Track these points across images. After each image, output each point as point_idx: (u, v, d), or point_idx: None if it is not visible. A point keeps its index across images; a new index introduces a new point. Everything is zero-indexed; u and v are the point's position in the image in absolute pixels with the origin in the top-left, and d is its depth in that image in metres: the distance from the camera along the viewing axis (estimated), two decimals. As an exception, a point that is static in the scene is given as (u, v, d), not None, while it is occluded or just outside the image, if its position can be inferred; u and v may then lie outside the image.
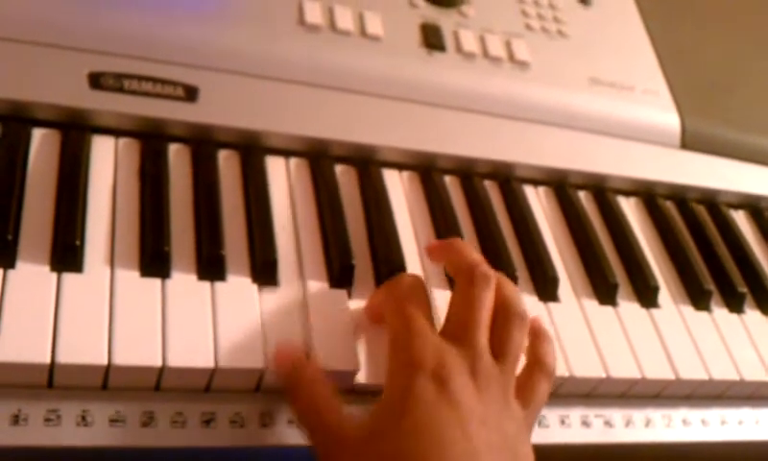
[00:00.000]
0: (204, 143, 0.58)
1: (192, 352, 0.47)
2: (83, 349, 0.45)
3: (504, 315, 0.50)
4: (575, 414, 0.57)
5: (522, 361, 0.51)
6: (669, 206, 0.72)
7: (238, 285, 0.52)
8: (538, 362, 0.52)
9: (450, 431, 0.44)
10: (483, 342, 0.48)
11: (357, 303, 0.54)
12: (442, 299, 0.55)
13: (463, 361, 0.47)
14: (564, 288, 0.61)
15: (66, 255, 0.49)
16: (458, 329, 0.49)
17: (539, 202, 0.67)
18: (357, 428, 0.45)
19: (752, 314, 0.66)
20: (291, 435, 0.49)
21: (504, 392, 0.48)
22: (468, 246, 0.54)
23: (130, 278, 0.49)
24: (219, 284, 0.51)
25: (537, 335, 0.53)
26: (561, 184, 0.69)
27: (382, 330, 0.51)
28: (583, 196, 0.70)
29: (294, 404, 0.48)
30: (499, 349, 0.49)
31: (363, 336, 0.52)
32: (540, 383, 0.51)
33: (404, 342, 0.48)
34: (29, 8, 0.57)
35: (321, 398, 0.47)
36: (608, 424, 0.57)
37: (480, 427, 0.45)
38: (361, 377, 0.51)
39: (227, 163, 0.59)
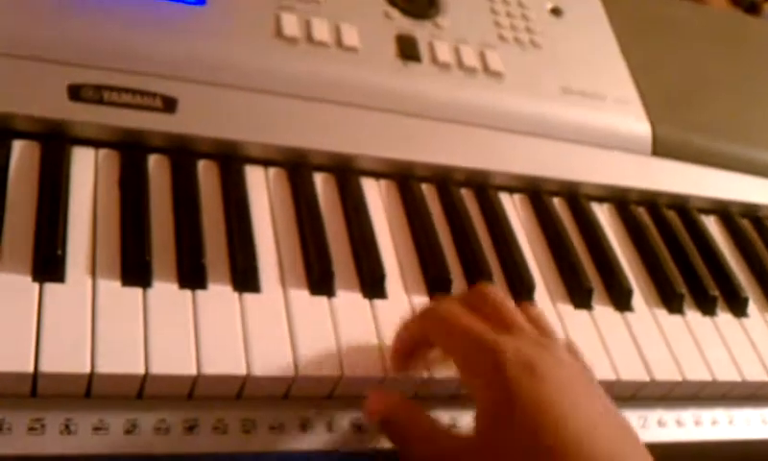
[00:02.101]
0: (183, 154, 0.59)
1: (174, 360, 0.48)
2: (65, 357, 0.45)
3: (494, 304, 0.51)
4: (552, 416, 0.57)
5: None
6: (641, 211, 0.74)
7: (219, 293, 0.52)
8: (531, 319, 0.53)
9: (558, 407, 0.45)
10: (523, 318, 0.51)
11: (337, 310, 0.54)
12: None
13: (528, 342, 0.48)
14: (540, 293, 0.62)
15: (48, 265, 0.49)
16: (501, 324, 0.50)
17: (514, 209, 0.69)
18: (468, 439, 0.47)
19: (723, 316, 0.68)
20: (273, 441, 0.50)
21: (556, 345, 0.50)
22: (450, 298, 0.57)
23: (111, 287, 0.50)
24: (200, 292, 0.51)
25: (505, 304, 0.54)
26: (536, 191, 0.70)
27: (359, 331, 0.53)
28: (557, 203, 0.71)
29: (403, 442, 0.49)
30: (536, 324, 0.52)
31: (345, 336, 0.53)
32: (541, 317, 0.54)
33: (475, 351, 0.48)
34: (8, 20, 0.57)
35: (425, 424, 0.49)
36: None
37: (580, 395, 0.47)
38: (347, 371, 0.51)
39: (206, 173, 0.59)
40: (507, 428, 0.45)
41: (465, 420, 0.54)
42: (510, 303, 0.52)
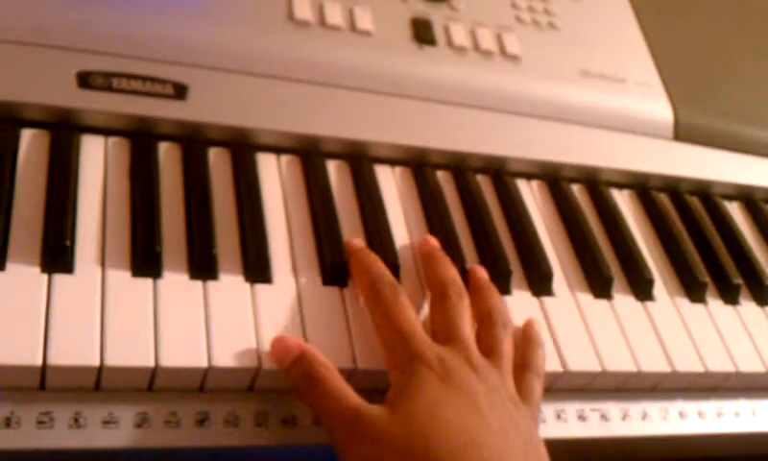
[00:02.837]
0: (194, 141, 0.58)
1: (185, 352, 0.47)
2: (74, 350, 0.45)
3: (488, 323, 0.52)
4: (571, 408, 0.56)
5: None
6: (663, 198, 0.72)
7: (231, 284, 0.51)
8: (527, 365, 0.53)
9: (463, 411, 0.45)
10: (471, 337, 0.50)
11: (351, 300, 0.53)
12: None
13: (459, 356, 0.48)
14: (559, 282, 0.61)
15: (57, 257, 0.48)
16: (444, 333, 0.50)
17: (532, 196, 0.67)
18: (376, 410, 0.46)
19: (747, 306, 0.66)
20: (285, 434, 0.49)
21: (504, 384, 0.49)
22: (444, 260, 0.55)
23: (121, 278, 0.49)
24: (211, 283, 0.51)
25: (526, 341, 0.54)
26: (554, 178, 0.69)
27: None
28: (576, 189, 0.69)
29: (308, 394, 0.47)
30: (490, 351, 0.51)
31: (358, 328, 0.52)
32: (533, 383, 0.52)
33: (401, 339, 0.49)
34: (16, 8, 0.56)
35: (336, 382, 0.47)
36: (604, 417, 0.57)
37: (490, 409, 0.46)
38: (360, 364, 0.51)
39: (217, 161, 0.58)
40: (408, 414, 0.45)
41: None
42: (466, 320, 0.51)
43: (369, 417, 0.45)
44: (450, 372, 0.47)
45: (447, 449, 0.43)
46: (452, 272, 0.55)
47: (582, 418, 0.57)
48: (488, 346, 0.51)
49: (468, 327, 0.51)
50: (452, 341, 0.50)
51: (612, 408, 0.57)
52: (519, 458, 0.45)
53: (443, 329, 0.51)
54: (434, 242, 0.58)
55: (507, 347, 0.52)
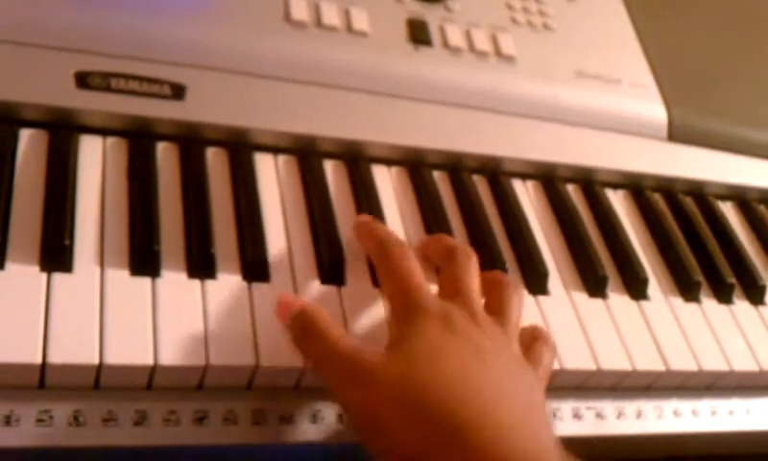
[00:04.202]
0: (192, 141, 0.58)
1: (183, 350, 0.47)
2: (74, 349, 0.45)
3: (497, 284, 0.52)
4: (567, 407, 0.57)
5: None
6: (657, 198, 0.73)
7: (228, 283, 0.51)
8: (537, 334, 0.52)
9: (465, 360, 0.45)
10: (477, 294, 0.49)
11: (348, 299, 0.54)
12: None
13: (464, 310, 0.48)
14: (554, 282, 0.61)
15: (56, 256, 0.48)
16: (450, 289, 0.50)
17: (527, 195, 0.68)
18: (375, 353, 0.45)
19: (740, 304, 0.67)
20: (283, 432, 0.49)
21: (510, 344, 0.49)
22: (441, 235, 0.56)
23: (120, 277, 0.49)
24: (209, 282, 0.51)
25: (534, 328, 0.54)
26: (549, 178, 0.69)
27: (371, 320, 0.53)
28: (571, 189, 0.70)
29: (307, 346, 0.47)
30: (497, 311, 0.50)
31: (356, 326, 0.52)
32: (542, 350, 0.51)
33: (406, 290, 0.48)
34: (15, 8, 0.56)
35: (333, 331, 0.47)
36: (599, 416, 0.57)
37: (495, 358, 0.46)
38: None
39: (215, 161, 0.58)
40: (409, 360, 0.44)
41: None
42: (474, 278, 0.51)
43: (366, 361, 0.45)
44: (454, 323, 0.46)
45: (447, 397, 0.43)
46: (453, 240, 0.55)
47: (577, 416, 0.57)
48: (495, 306, 0.50)
49: (475, 283, 0.50)
50: (458, 296, 0.49)
51: (608, 407, 0.58)
52: (520, 414, 0.45)
53: (449, 287, 0.50)
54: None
55: (516, 310, 0.51)
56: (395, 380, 0.44)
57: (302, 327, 0.48)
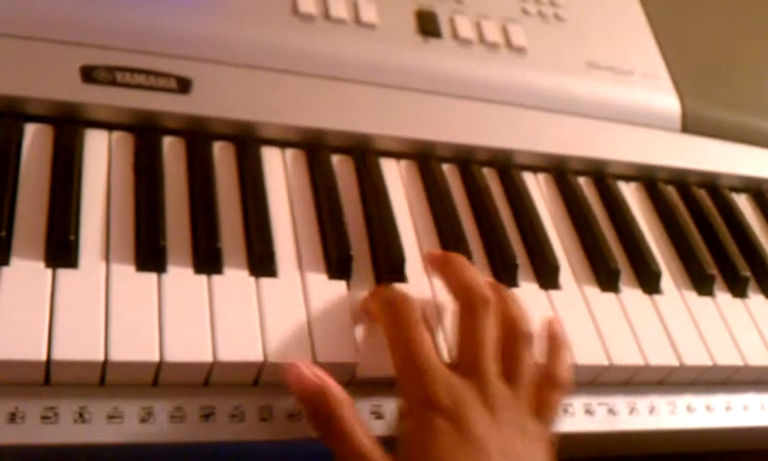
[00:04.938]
0: (198, 135, 0.58)
1: (190, 347, 0.47)
2: (79, 345, 0.45)
3: (511, 337, 0.50)
4: (578, 402, 0.56)
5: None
6: (670, 190, 0.72)
7: (235, 278, 0.51)
8: (550, 378, 0.51)
9: None
10: (492, 369, 0.48)
11: (356, 295, 0.53)
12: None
13: (475, 393, 0.47)
14: (566, 276, 0.61)
15: (61, 251, 0.48)
16: (467, 359, 0.49)
17: (538, 189, 0.67)
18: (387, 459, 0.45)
19: (755, 298, 0.66)
20: (290, 429, 0.49)
21: (519, 415, 0.48)
22: (465, 263, 0.53)
23: (125, 272, 0.49)
24: (216, 277, 0.50)
25: (552, 348, 0.53)
26: (560, 171, 0.68)
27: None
28: (583, 182, 0.69)
29: (320, 428, 0.46)
30: (510, 373, 0.49)
31: (362, 327, 0.52)
32: (553, 399, 0.51)
33: (416, 377, 0.47)
34: (20, 2, 0.56)
35: (350, 421, 0.46)
36: (611, 411, 0.57)
37: (501, 458, 0.45)
38: (361, 371, 0.50)
39: (222, 155, 0.58)
40: None
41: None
42: (490, 343, 0.49)
43: None
44: (464, 418, 0.45)
45: None
46: (473, 274, 0.52)
47: (589, 412, 0.56)
48: (509, 364, 0.49)
49: (490, 352, 0.49)
50: (474, 374, 0.48)
51: (620, 402, 0.57)
52: None
53: (466, 355, 0.49)
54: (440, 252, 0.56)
55: (527, 362, 0.50)
56: None
57: (320, 411, 0.46)
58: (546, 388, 0.51)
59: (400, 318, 0.49)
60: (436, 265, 0.55)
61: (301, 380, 0.47)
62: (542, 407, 0.50)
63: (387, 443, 0.46)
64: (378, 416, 0.51)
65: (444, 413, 0.45)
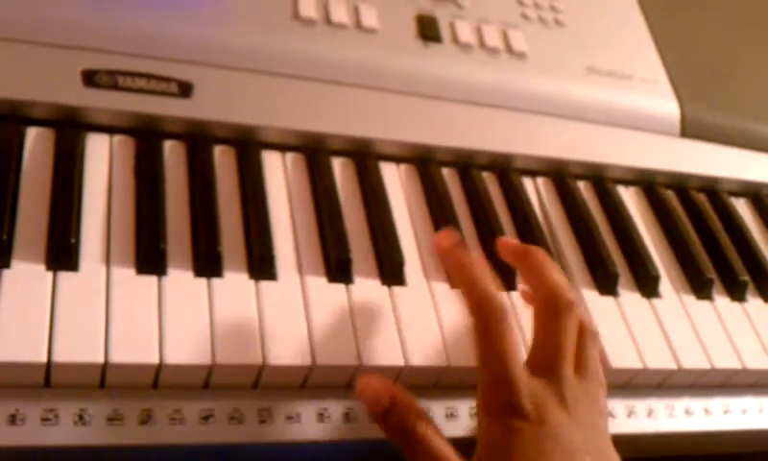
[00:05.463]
0: (199, 139, 0.58)
1: (189, 349, 0.47)
2: (79, 347, 0.45)
3: (583, 337, 0.50)
4: (577, 405, 0.56)
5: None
6: (669, 194, 0.72)
7: (235, 281, 0.51)
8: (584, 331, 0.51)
9: None
10: (571, 372, 0.49)
11: (355, 297, 0.53)
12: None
13: (554, 395, 0.47)
14: (565, 279, 0.61)
15: (62, 254, 0.48)
16: (546, 362, 0.49)
17: (538, 193, 0.67)
18: None
19: (754, 302, 0.66)
20: (290, 431, 0.49)
21: (591, 404, 0.49)
22: (548, 261, 0.53)
23: (126, 275, 0.49)
24: (216, 281, 0.51)
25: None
26: (560, 175, 0.69)
27: (378, 319, 0.52)
28: (582, 186, 0.69)
29: (405, 447, 0.46)
30: (581, 367, 0.49)
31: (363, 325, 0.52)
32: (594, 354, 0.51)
33: (501, 385, 0.47)
34: (21, 6, 0.56)
35: (437, 442, 0.46)
36: (609, 415, 0.57)
37: (585, 455, 0.46)
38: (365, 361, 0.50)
39: (222, 159, 0.58)
40: None
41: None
42: (570, 348, 0.49)
43: None
44: (545, 418, 0.46)
45: None
46: (558, 276, 0.52)
47: (588, 415, 0.56)
48: (579, 360, 0.50)
49: (570, 357, 0.49)
50: (551, 374, 0.48)
51: (618, 405, 0.57)
52: None
53: (544, 354, 0.49)
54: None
55: (596, 358, 0.51)
56: None
57: (398, 426, 0.47)
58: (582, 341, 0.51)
59: (493, 329, 0.48)
60: (514, 257, 0.55)
61: (377, 394, 0.48)
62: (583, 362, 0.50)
63: (459, 443, 0.46)
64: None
65: (526, 417, 0.46)
